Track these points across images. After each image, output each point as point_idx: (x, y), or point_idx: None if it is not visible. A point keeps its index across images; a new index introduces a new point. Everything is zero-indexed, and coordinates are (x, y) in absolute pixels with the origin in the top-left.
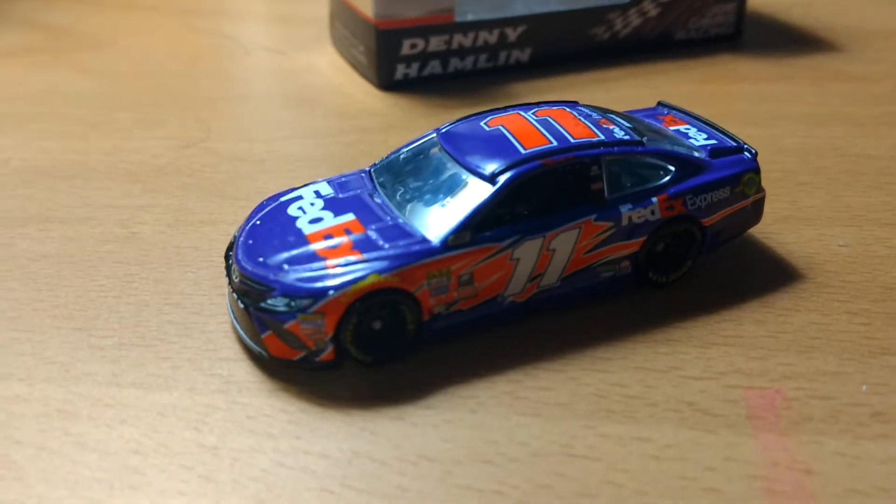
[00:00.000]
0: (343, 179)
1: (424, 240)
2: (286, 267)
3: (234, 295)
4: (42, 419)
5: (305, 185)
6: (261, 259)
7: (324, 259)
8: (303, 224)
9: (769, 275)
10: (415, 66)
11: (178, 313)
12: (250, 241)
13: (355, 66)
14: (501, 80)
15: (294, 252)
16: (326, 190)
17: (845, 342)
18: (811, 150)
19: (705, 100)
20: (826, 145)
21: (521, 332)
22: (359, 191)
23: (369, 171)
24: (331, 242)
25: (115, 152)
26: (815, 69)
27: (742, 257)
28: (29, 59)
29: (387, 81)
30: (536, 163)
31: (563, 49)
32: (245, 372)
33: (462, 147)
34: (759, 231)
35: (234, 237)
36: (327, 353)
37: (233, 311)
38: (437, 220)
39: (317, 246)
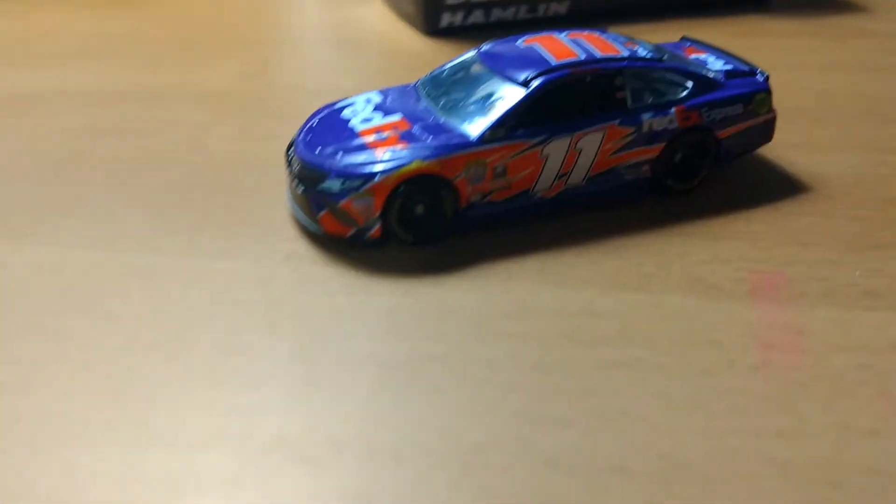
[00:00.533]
0: (392, 89)
1: (464, 135)
2: (340, 155)
3: (295, 182)
4: (124, 279)
5: (357, 95)
6: (318, 150)
7: (373, 149)
8: (355, 122)
9: (779, 186)
10: (459, 15)
11: (244, 205)
12: (309, 137)
13: (403, 16)
14: (540, 30)
15: (348, 143)
16: (377, 98)
17: (845, 239)
18: (829, 92)
19: (734, 49)
20: (844, 90)
21: (550, 224)
22: (406, 98)
23: (415, 84)
24: (380, 136)
25: (181, 82)
26: (838, 27)
27: (754, 172)
28: (106, 10)
29: (432, 28)
30: (566, 71)
31: (598, 4)
32: (304, 247)
33: (499, 61)
34: (771, 153)
35: (293, 138)
36: (375, 230)
37: (292, 199)
38: (475, 120)
39: (367, 139)
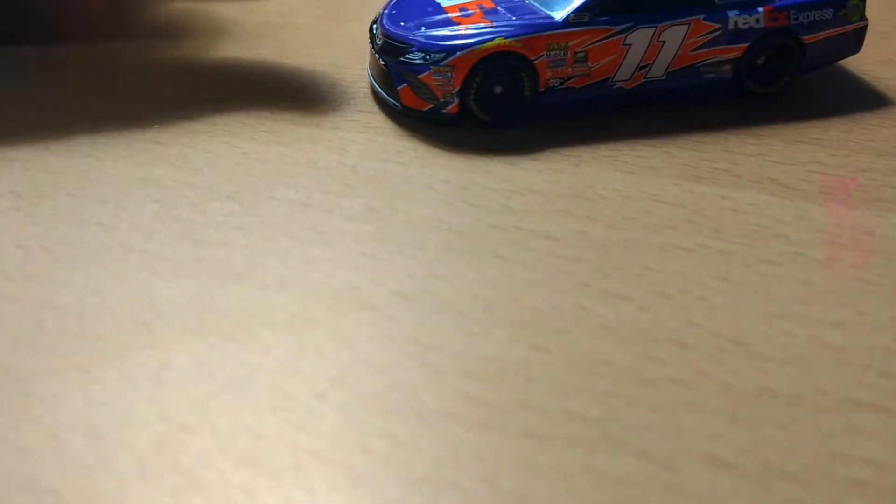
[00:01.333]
0: None
1: (548, 16)
2: (424, 28)
3: (377, 55)
4: (209, 136)
5: None
6: (402, 23)
7: (457, 24)
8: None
9: (862, 98)
10: None
11: (326, 79)
12: (394, 12)
13: None
14: None
15: (433, 18)
16: None
17: None
18: None
19: None
20: None
21: (625, 116)
22: None
23: None
24: (465, 12)
25: None
26: None
27: (837, 81)
28: None
29: None
30: None
31: None
32: (381, 121)
33: None
34: (858, 65)
35: (379, 13)
36: (453, 106)
37: (372, 74)
38: (560, 2)
39: (452, 14)
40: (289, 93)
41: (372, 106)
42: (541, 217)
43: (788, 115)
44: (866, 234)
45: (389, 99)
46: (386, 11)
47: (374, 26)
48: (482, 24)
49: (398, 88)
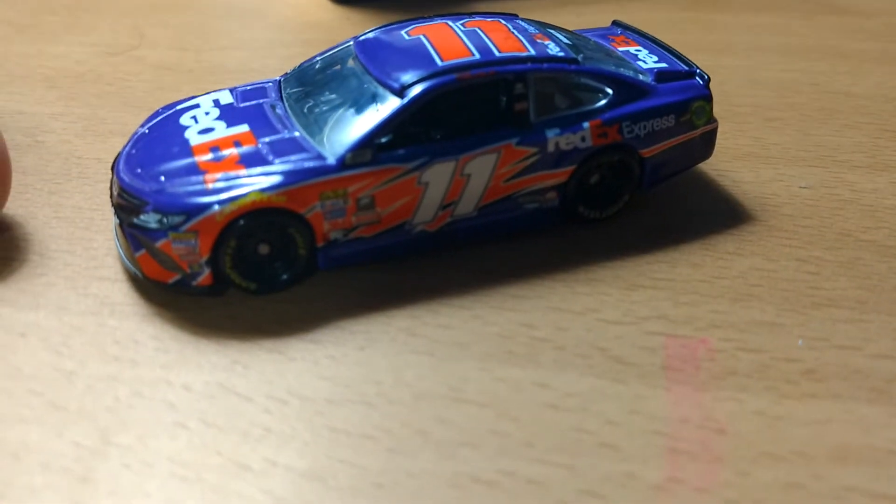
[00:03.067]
0: (248, 88)
1: (320, 156)
2: (163, 179)
3: (113, 210)
4: None
5: (206, 94)
6: (139, 170)
7: (204, 173)
8: (191, 134)
9: (716, 215)
10: None
11: (65, 228)
12: (133, 151)
13: None
14: (446, 13)
15: (175, 164)
16: (226, 99)
17: (788, 291)
18: (788, 84)
19: (682, 27)
20: (804, 80)
21: (431, 264)
22: (261, 100)
23: (279, 80)
24: (216, 154)
25: (37, 56)
26: (806, 1)
27: (688, 195)
28: None
29: None
30: (452, 76)
31: None
32: (122, 294)
33: (376, 57)
34: (711, 167)
35: (121, 149)
36: (204, 278)
37: (115, 229)
38: (337, 136)
39: (200, 158)
40: (12, 255)
41: (115, 270)
42: (305, 440)
43: (628, 246)
44: (716, 433)
45: (129, 266)
46: (126, 149)
47: (113, 166)
48: (234, 173)
49: (136, 255)
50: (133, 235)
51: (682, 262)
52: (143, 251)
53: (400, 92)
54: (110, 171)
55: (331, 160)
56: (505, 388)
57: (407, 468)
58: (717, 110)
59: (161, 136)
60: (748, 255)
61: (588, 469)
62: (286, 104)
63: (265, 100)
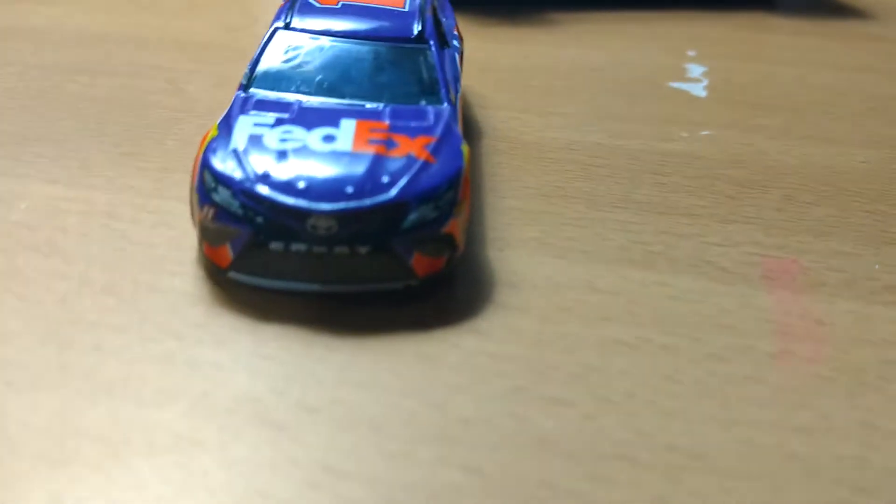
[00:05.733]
0: (268, 104)
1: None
2: None
3: None
4: (87, 216)
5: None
6: None
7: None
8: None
9: (792, 176)
10: None
11: None
12: None
13: None
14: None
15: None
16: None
17: (861, 232)
18: (837, 89)
19: (739, 42)
20: (852, 87)
21: (547, 193)
22: (293, 107)
23: (245, 95)
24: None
25: (164, 28)
26: (844, 30)
27: (765, 158)
28: None
29: None
30: None
31: None
32: None
33: (355, 23)
34: (781, 143)
35: None
36: None
37: None
38: (419, 90)
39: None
40: (178, 167)
41: None
42: (461, 313)
43: (717, 190)
44: (816, 324)
45: None
46: None
47: None
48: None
49: None
50: None
51: (767, 206)
52: None
53: (420, 38)
54: None
55: (446, 105)
56: (630, 285)
57: (557, 331)
58: (780, 104)
59: None
60: (823, 206)
61: (711, 341)
62: (320, 98)
63: (292, 105)
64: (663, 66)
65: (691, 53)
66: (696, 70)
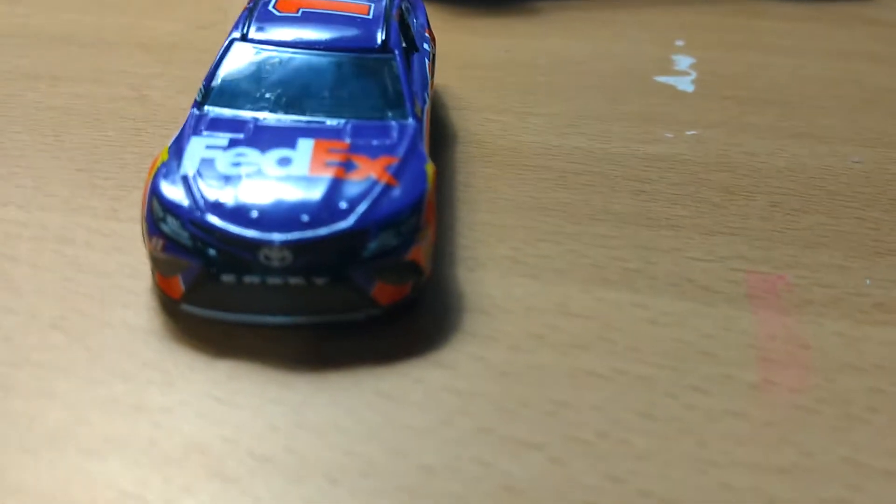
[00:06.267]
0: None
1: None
2: None
3: None
4: (39, 241)
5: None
6: None
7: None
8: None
9: (781, 179)
10: None
11: None
12: None
13: None
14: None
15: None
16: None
17: (852, 242)
18: (831, 80)
19: (730, 30)
20: (846, 77)
21: (523, 206)
22: (246, 127)
23: (199, 113)
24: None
25: (130, 28)
26: (843, 13)
27: (750, 164)
28: None
29: None
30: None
31: None
32: None
33: (313, 33)
34: (770, 143)
35: None
36: None
37: None
38: (386, 103)
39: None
40: (137, 184)
41: None
42: (438, 343)
43: (703, 200)
44: (801, 348)
45: None
46: None
47: None
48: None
49: None
50: None
51: (753, 215)
52: None
53: (384, 48)
54: None
55: (411, 120)
56: (606, 306)
57: (527, 362)
58: (771, 98)
59: None
60: (812, 213)
61: (690, 370)
62: (277, 115)
63: (247, 124)
64: (650, 57)
65: (679, 43)
66: (683, 62)
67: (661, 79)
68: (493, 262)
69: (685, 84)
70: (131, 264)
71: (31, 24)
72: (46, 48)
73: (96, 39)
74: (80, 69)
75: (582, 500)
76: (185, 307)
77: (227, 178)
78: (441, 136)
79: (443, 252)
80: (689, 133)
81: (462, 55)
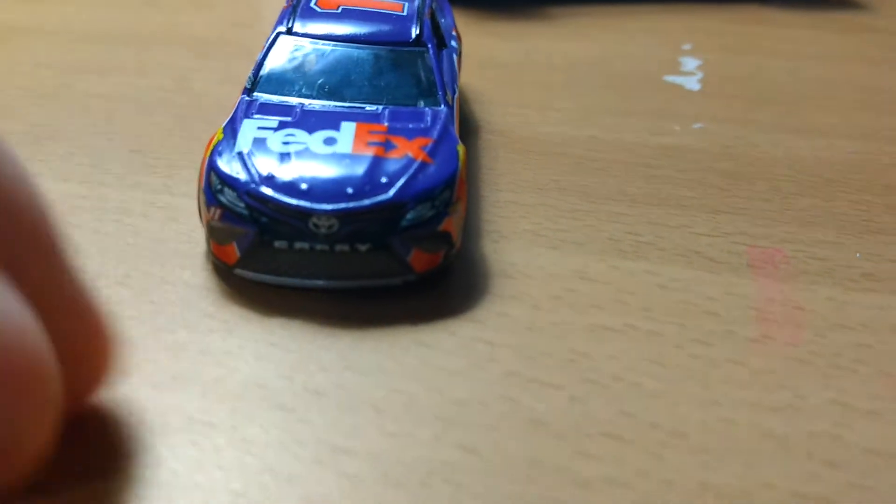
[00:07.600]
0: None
1: (434, 109)
2: None
3: None
4: (100, 212)
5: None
6: None
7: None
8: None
9: (780, 167)
10: None
11: None
12: None
13: None
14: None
15: None
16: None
17: (844, 222)
18: (830, 81)
19: (734, 35)
20: (845, 79)
21: (541, 185)
22: (294, 110)
23: (249, 98)
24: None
25: (168, 25)
26: (839, 21)
27: (752, 154)
28: None
29: None
30: None
31: None
32: None
33: (353, 26)
34: (771, 136)
35: None
36: None
37: None
38: (416, 91)
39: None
40: (186, 164)
41: None
42: (462, 304)
43: (709, 185)
44: (796, 310)
45: None
46: None
47: None
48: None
49: None
50: None
51: (756, 198)
52: None
53: (417, 42)
54: None
55: (443, 107)
56: (620, 273)
57: (549, 319)
58: (772, 97)
59: None
60: (808, 196)
61: (695, 327)
62: (321, 101)
63: (294, 108)
64: (659, 59)
65: (686, 47)
66: (690, 63)
67: (670, 78)
68: (517, 236)
69: (692, 83)
70: (186, 233)
71: (79, 21)
72: (94, 43)
73: (138, 35)
74: (125, 63)
75: (598, 430)
76: (239, 272)
77: (279, 155)
78: (466, 127)
79: (470, 227)
80: (695, 126)
81: (483, 55)
